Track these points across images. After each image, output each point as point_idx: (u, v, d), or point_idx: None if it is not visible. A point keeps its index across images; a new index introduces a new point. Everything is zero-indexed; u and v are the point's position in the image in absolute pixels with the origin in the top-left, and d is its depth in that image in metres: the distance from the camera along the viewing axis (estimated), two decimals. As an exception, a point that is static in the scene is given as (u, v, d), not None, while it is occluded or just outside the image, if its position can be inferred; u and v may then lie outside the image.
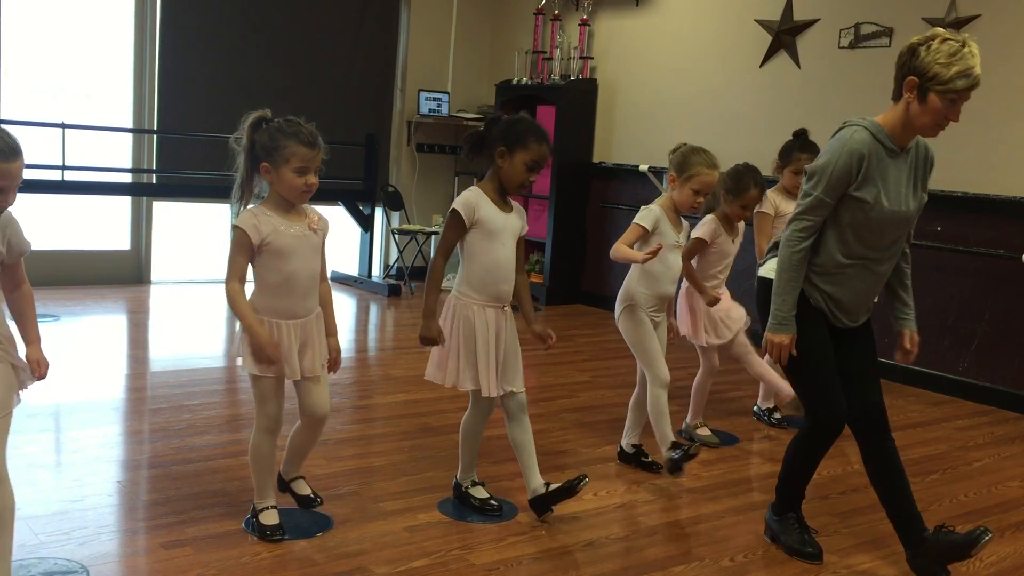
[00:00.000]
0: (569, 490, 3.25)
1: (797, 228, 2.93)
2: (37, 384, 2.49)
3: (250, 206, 2.89)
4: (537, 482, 3.28)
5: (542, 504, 3.28)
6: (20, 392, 2.43)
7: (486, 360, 3.14)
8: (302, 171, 2.82)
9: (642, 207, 3.73)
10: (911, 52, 2.78)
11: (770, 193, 4.45)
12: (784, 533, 3.18)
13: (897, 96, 2.85)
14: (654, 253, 3.50)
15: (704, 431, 4.29)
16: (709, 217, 4.17)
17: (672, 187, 3.67)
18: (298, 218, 2.90)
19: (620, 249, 3.63)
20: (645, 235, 3.66)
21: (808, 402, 3.07)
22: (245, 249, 2.83)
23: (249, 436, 3.01)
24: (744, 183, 4.08)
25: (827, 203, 2.89)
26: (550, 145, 3.15)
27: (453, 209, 3.10)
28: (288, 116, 2.87)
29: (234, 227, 2.85)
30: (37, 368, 2.48)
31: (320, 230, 2.95)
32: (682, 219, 3.77)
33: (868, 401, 3.03)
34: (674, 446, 3.66)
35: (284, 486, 3.18)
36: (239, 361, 2.91)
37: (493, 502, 3.31)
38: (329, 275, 3.31)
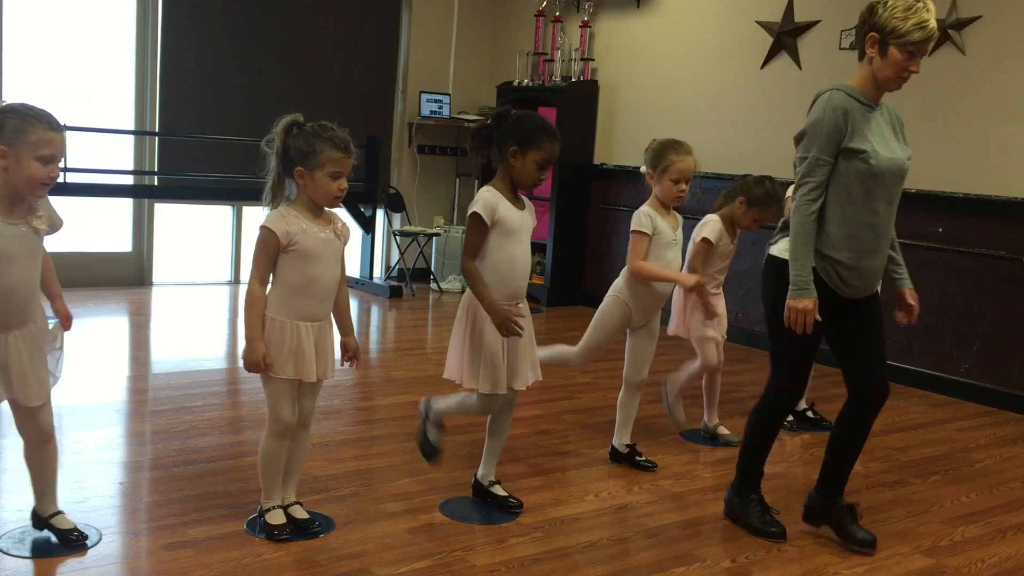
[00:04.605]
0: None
1: (803, 192, 3.00)
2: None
3: (279, 208, 2.90)
4: (488, 470, 3.39)
5: (480, 491, 3.37)
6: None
7: (496, 358, 3.13)
8: (336, 175, 2.85)
9: (634, 214, 3.74)
10: (870, 11, 2.95)
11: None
12: (747, 515, 3.29)
13: (861, 55, 3.02)
14: (696, 287, 3.74)
15: (724, 430, 4.29)
16: (714, 217, 4.12)
17: (652, 183, 3.71)
18: (325, 223, 2.93)
19: (645, 269, 3.69)
20: (649, 240, 3.69)
21: (778, 372, 3.19)
22: (271, 250, 2.86)
23: (250, 437, 3.03)
24: (768, 201, 4.06)
25: (824, 160, 2.97)
26: (560, 141, 3.15)
27: (474, 212, 3.08)
28: (322, 121, 2.88)
29: (262, 228, 2.86)
30: (65, 321, 2.81)
31: (343, 236, 2.98)
32: (674, 212, 3.81)
33: (874, 380, 3.12)
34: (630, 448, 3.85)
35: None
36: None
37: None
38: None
